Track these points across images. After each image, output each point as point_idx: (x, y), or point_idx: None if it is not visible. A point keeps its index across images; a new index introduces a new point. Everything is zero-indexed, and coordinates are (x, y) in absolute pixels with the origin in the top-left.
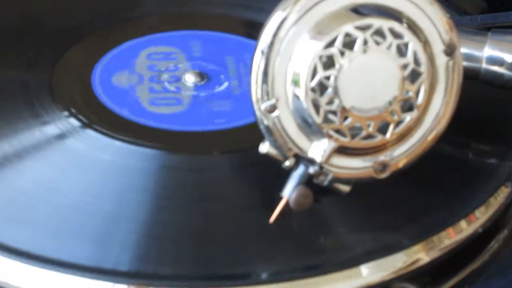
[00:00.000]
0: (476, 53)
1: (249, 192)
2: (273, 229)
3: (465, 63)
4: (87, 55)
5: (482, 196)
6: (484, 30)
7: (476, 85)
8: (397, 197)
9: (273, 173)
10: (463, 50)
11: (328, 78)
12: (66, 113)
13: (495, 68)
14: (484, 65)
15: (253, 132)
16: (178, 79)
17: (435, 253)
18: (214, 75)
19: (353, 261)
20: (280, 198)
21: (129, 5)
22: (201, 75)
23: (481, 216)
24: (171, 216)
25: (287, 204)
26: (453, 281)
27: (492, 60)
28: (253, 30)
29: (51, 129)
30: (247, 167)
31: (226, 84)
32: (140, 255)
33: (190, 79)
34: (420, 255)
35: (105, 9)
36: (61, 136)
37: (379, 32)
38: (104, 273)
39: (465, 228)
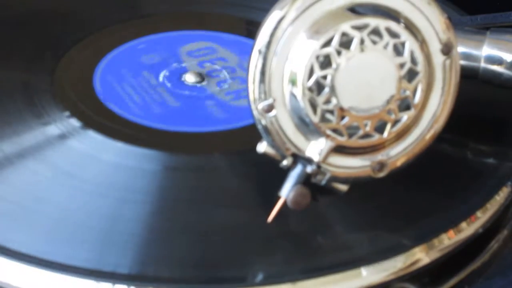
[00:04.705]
0: (474, 52)
1: (248, 192)
2: (273, 230)
3: (463, 62)
4: (89, 55)
5: (482, 196)
6: (483, 30)
7: (476, 84)
8: (397, 197)
9: (271, 173)
10: (462, 49)
11: (325, 77)
12: (67, 113)
13: (494, 67)
14: (482, 64)
15: (252, 133)
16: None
17: (435, 254)
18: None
19: (353, 262)
20: (278, 198)
21: (130, 5)
22: (201, 75)
23: (481, 216)
24: (171, 217)
25: (285, 204)
26: (453, 281)
27: (491, 59)
28: (253, 30)
29: (52, 130)
30: (246, 167)
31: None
32: (140, 257)
33: (190, 79)
34: (420, 255)
35: (107, 8)
36: (62, 137)
37: (376, 32)
38: (104, 276)
39: (465, 229)
